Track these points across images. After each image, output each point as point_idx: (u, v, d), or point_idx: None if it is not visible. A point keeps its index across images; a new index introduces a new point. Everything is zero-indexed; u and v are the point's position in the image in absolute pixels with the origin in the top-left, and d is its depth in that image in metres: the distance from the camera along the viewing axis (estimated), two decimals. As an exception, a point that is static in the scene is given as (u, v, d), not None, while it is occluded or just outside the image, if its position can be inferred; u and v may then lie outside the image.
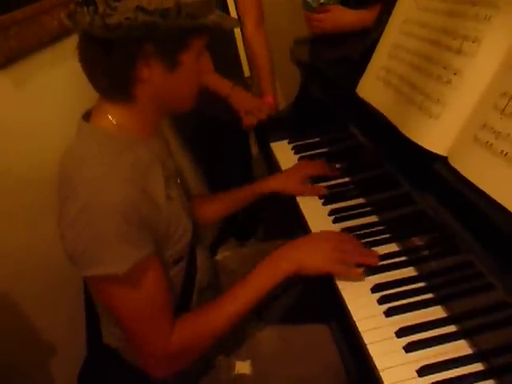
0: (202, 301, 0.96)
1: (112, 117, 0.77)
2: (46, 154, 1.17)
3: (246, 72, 1.58)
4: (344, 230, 1.00)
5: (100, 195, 0.69)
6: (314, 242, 0.91)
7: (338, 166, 1.21)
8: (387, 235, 0.96)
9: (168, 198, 0.81)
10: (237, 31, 1.53)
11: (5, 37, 1.06)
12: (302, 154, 1.31)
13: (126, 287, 0.73)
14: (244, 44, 1.55)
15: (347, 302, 0.82)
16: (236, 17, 1.49)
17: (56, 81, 1.23)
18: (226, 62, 1.53)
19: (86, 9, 0.66)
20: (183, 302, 0.92)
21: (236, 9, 1.49)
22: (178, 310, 0.89)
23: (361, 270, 0.86)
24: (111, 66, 0.72)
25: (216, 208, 1.17)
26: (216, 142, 1.72)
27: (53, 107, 1.22)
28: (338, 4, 1.39)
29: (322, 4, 1.40)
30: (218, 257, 1.26)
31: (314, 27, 1.42)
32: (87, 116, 0.81)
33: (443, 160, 0.70)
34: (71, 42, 1.22)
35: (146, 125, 0.81)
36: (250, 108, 1.52)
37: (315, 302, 1.09)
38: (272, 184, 1.16)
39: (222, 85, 1.50)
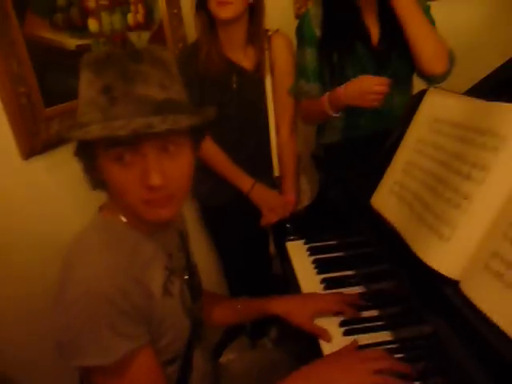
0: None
1: (119, 209, 0.79)
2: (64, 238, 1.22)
3: (276, 172, 1.64)
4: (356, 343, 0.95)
5: (92, 285, 0.69)
6: (345, 362, 0.82)
7: (352, 273, 1.18)
8: (400, 355, 0.90)
9: (166, 294, 0.80)
10: (272, 135, 1.63)
11: (46, 127, 1.16)
12: (317, 257, 1.29)
13: (114, 378, 0.70)
14: (276, 147, 1.63)
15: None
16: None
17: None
18: (259, 161, 1.63)
19: None
20: None
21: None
22: None
23: None
24: (85, 173, 0.77)
25: (222, 314, 1.12)
26: (237, 236, 1.74)
27: (78, 195, 1.28)
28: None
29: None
30: (222, 359, 1.20)
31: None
32: (102, 207, 0.84)
33: (454, 284, 0.67)
34: None
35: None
36: (272, 205, 1.56)
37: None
38: (280, 309, 1.08)
39: (243, 181, 1.57)
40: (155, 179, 0.68)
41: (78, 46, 1.32)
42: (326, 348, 0.96)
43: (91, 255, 0.73)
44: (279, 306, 1.09)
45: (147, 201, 0.72)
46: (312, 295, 1.12)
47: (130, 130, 0.64)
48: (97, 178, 0.76)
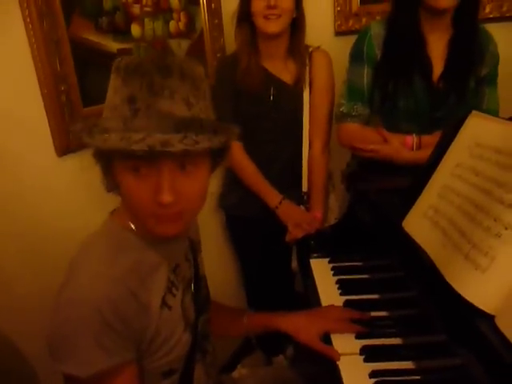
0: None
1: (129, 215, 0.79)
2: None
3: (304, 187, 1.63)
4: (375, 371, 0.91)
5: (86, 292, 0.68)
6: None
7: (376, 297, 1.14)
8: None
9: (164, 307, 0.78)
10: (305, 150, 1.61)
11: (82, 126, 1.18)
12: (341, 277, 1.26)
13: None
14: (308, 162, 1.62)
15: None
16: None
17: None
18: (289, 175, 1.61)
19: None
20: None
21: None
22: None
23: None
24: (102, 174, 0.77)
25: (226, 326, 1.09)
26: (260, 249, 1.73)
27: (105, 196, 1.30)
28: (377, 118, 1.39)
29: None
30: (235, 373, 1.17)
31: (365, 151, 1.39)
32: (114, 210, 0.84)
33: (489, 318, 0.63)
34: None
35: None
36: (299, 221, 1.54)
37: None
38: (287, 325, 1.05)
39: (271, 196, 1.57)
40: (167, 197, 0.67)
41: (120, 50, 1.35)
42: (346, 374, 0.93)
43: (93, 262, 0.73)
44: (287, 322, 1.07)
45: (156, 215, 0.71)
46: (321, 313, 1.09)
47: (146, 145, 0.62)
48: (112, 181, 0.76)
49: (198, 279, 0.95)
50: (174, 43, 1.59)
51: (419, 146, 1.31)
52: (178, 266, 0.85)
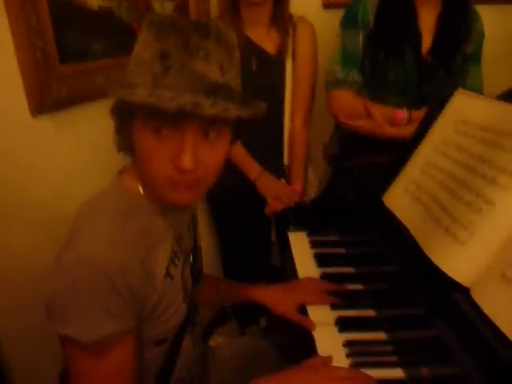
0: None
1: (138, 178, 0.76)
2: (71, 200, 1.20)
3: (286, 160, 1.62)
4: (349, 341, 0.93)
5: (95, 256, 0.66)
6: (308, 376, 0.80)
7: (353, 270, 1.16)
8: (394, 357, 0.88)
9: (167, 276, 0.77)
10: (286, 122, 1.59)
11: (58, 84, 1.13)
12: (318, 250, 1.27)
13: (86, 356, 0.67)
14: (289, 134, 1.60)
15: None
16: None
17: (97, 134, 1.27)
18: (270, 147, 1.59)
19: None
20: None
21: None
22: None
23: None
24: (116, 132, 0.74)
25: (203, 292, 1.06)
26: (240, 219, 1.72)
27: (87, 156, 1.26)
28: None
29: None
30: (211, 342, 1.18)
31: (349, 126, 1.38)
32: (122, 171, 0.80)
33: (464, 291, 0.65)
34: None
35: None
36: (278, 194, 1.53)
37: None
38: (264, 297, 1.07)
39: (251, 168, 1.55)
40: (188, 162, 0.65)
41: (100, 8, 1.28)
42: (320, 343, 0.94)
43: (103, 225, 0.70)
44: (264, 294, 1.08)
45: (173, 181, 0.68)
46: (298, 286, 1.10)
47: (177, 104, 0.60)
48: (126, 141, 0.73)
49: (196, 250, 0.94)
50: (156, 4, 1.52)
51: (409, 121, 1.31)
52: (181, 236, 0.84)
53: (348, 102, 1.38)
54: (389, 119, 1.32)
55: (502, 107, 0.76)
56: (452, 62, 1.31)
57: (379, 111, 1.33)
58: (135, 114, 0.67)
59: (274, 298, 1.06)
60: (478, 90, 1.36)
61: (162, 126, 0.65)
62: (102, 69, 1.21)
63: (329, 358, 0.87)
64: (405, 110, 1.33)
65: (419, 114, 1.28)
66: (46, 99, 1.09)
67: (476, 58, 1.39)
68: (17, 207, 1.10)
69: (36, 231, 1.15)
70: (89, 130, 1.24)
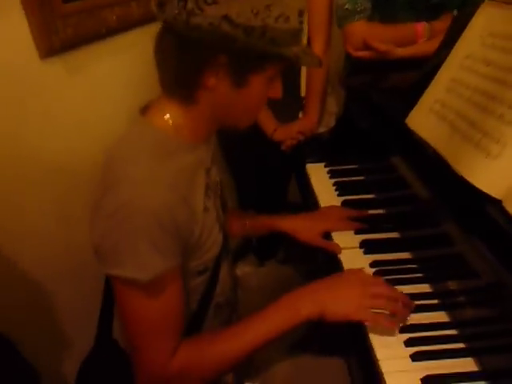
0: (217, 318, 0.93)
1: (169, 115, 0.76)
2: (91, 145, 1.19)
3: (303, 92, 1.57)
4: (375, 262, 0.96)
5: (141, 197, 0.67)
6: (342, 285, 0.82)
7: (373, 196, 1.18)
8: (420, 274, 0.91)
9: (205, 209, 0.79)
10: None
11: (64, 25, 1.09)
12: (338, 180, 1.28)
13: (142, 295, 0.71)
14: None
15: (372, 339, 0.77)
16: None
17: (109, 73, 1.25)
18: (286, 79, 1.54)
19: (176, 1, 0.65)
20: (198, 315, 0.89)
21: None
22: (191, 324, 0.86)
23: (392, 320, 0.78)
24: (182, 64, 0.71)
25: (229, 227, 1.11)
26: (253, 160, 1.71)
27: (102, 98, 1.25)
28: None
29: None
30: (238, 271, 1.23)
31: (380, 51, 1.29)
32: (144, 110, 0.80)
33: (497, 203, 0.66)
34: (126, 38, 1.27)
35: (200, 130, 0.80)
36: (294, 137, 1.53)
37: (332, 330, 1.04)
38: (288, 225, 1.10)
39: (268, 124, 1.54)
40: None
41: None
42: (347, 265, 0.97)
43: (140, 167, 0.70)
44: (288, 223, 1.11)
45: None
46: (321, 214, 1.13)
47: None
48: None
49: (220, 181, 0.96)
50: None
51: (431, 34, 1.26)
52: (209, 169, 0.85)
53: (364, 33, 1.32)
54: (409, 36, 1.27)
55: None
56: None
57: (396, 32, 1.28)
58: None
59: (299, 225, 1.09)
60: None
61: (279, 74, 0.77)
62: (108, 4, 1.16)
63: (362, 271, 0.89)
64: (425, 22, 1.27)
65: (439, 25, 1.23)
66: (53, 41, 1.06)
67: None
68: (33, 158, 1.10)
69: (53, 182, 1.15)
70: (101, 70, 1.22)
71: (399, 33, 1.29)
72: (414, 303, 0.82)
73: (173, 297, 0.74)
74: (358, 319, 0.78)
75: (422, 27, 1.26)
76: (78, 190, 1.19)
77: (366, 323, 0.79)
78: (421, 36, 1.26)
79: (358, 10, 1.31)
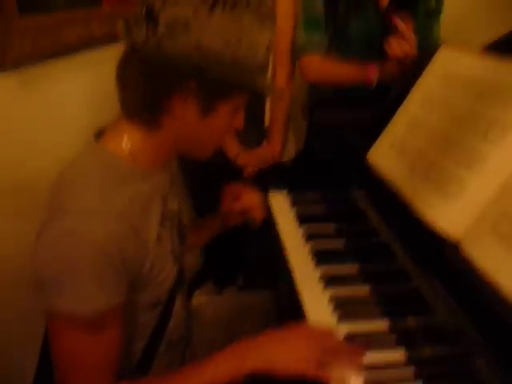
0: (169, 354, 0.88)
1: (127, 139, 0.72)
2: (45, 163, 1.13)
3: (267, 122, 1.59)
4: (334, 296, 0.94)
5: (86, 228, 0.63)
6: (289, 338, 0.75)
7: (334, 226, 1.17)
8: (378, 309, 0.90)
9: (158, 240, 0.76)
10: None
11: (20, 40, 1.04)
12: (299, 207, 1.26)
13: (79, 330, 0.66)
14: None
15: None
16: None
17: (65, 92, 1.20)
18: (251, 110, 1.55)
19: (145, 25, 0.63)
20: (148, 351, 0.83)
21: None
22: (141, 361, 0.82)
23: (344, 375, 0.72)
24: (148, 88, 0.69)
25: (202, 227, 1.14)
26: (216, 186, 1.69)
27: (57, 117, 1.20)
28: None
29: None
30: (194, 301, 1.18)
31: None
32: (99, 134, 0.76)
33: (453, 244, 0.66)
34: (87, 57, 1.23)
35: (159, 158, 0.77)
36: (257, 163, 1.54)
37: None
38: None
39: (231, 148, 1.54)
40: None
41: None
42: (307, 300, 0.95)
43: (90, 195, 0.66)
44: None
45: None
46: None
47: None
48: (158, 106, 0.70)
49: (180, 210, 0.92)
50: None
51: (380, 75, 1.30)
52: (166, 197, 0.82)
53: (316, 67, 1.39)
54: (360, 76, 1.31)
55: (489, 59, 0.76)
56: (414, 15, 1.29)
57: (348, 70, 1.33)
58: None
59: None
60: (438, 44, 1.37)
61: (243, 105, 0.76)
62: (69, 21, 1.12)
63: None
64: (375, 65, 1.30)
65: (390, 66, 1.27)
66: (7, 55, 1.00)
67: (438, 13, 1.39)
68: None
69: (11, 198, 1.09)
70: (58, 88, 1.17)
71: (351, 71, 1.33)
72: (364, 350, 0.76)
73: (112, 335, 0.69)
74: (305, 374, 0.71)
75: (372, 70, 1.30)
76: (36, 207, 1.13)
77: (315, 379, 0.72)
78: (370, 78, 1.30)
79: (312, 43, 1.36)
